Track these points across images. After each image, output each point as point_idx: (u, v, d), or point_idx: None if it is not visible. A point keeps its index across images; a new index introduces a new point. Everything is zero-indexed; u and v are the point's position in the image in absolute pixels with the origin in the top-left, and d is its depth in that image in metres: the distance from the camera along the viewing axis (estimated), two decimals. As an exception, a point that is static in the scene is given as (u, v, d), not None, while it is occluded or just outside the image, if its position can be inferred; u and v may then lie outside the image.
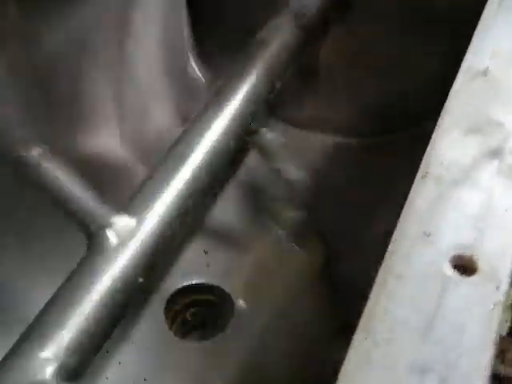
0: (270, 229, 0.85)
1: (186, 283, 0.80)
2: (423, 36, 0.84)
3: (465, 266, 0.41)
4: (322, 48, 0.85)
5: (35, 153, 0.72)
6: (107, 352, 0.71)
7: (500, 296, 0.40)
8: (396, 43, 0.85)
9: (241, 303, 0.78)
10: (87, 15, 0.82)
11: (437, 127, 0.47)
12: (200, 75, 0.94)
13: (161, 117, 0.91)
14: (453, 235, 0.43)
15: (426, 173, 0.45)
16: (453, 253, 0.42)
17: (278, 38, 0.78)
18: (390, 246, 0.43)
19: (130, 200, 0.68)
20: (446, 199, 0.44)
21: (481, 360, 0.38)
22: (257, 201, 0.88)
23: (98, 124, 0.86)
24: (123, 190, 0.77)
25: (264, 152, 0.86)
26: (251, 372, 0.73)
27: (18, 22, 0.75)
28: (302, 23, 0.80)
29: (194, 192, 0.70)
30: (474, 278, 0.41)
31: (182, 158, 0.70)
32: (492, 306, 0.39)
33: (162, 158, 0.71)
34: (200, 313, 0.80)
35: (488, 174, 0.45)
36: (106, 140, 0.86)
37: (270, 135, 0.85)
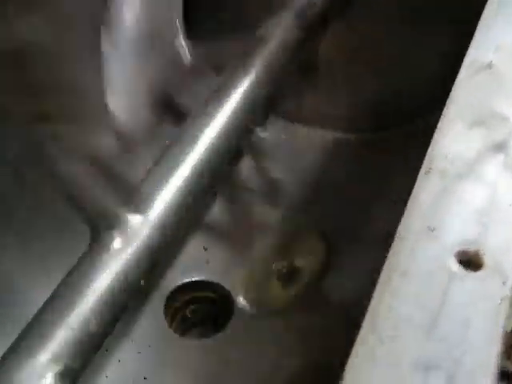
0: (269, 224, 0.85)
1: (185, 280, 0.80)
2: (423, 33, 0.83)
3: (470, 262, 0.41)
4: (321, 43, 0.85)
5: None
6: (106, 350, 0.70)
7: (507, 291, 0.39)
8: (395, 40, 0.85)
9: (241, 300, 0.78)
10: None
11: (441, 118, 0.47)
12: (188, 56, 0.94)
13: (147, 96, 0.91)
14: (457, 230, 0.42)
15: (430, 167, 0.45)
16: (458, 248, 0.41)
17: (277, 35, 0.78)
18: (394, 242, 0.42)
19: (130, 198, 0.67)
20: (451, 193, 0.44)
21: (487, 356, 0.37)
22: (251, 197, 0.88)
23: (85, 113, 0.86)
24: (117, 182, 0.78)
25: (254, 151, 0.86)
26: (251, 370, 0.72)
27: None
28: (302, 19, 0.79)
29: (194, 189, 0.69)
30: (479, 274, 0.41)
31: (182, 155, 0.70)
32: (499, 301, 0.39)
33: (160, 155, 0.71)
34: (200, 310, 0.80)
35: (493, 167, 0.45)
36: (94, 129, 0.86)
37: (264, 134, 0.86)
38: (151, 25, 0.90)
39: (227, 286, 0.79)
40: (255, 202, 0.88)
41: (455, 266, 0.41)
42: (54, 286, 0.61)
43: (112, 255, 0.62)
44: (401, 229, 0.43)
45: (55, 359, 0.56)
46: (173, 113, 0.88)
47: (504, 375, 0.65)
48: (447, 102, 0.48)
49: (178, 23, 0.92)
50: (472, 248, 0.41)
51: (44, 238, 0.77)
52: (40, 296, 0.60)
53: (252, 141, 0.88)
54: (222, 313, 0.78)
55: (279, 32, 0.78)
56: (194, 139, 0.71)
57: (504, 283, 0.40)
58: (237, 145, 0.76)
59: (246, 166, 0.89)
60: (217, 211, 0.85)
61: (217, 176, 0.74)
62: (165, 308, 0.78)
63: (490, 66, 0.50)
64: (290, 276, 0.80)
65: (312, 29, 0.80)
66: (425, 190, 0.44)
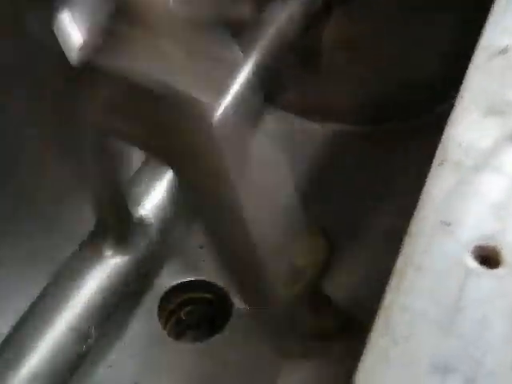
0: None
1: (180, 280, 0.78)
2: (427, 25, 0.82)
3: (488, 258, 0.40)
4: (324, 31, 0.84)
5: None
6: (97, 354, 0.69)
7: (526, 289, 0.38)
8: (398, 32, 0.83)
9: (239, 302, 0.76)
10: None
11: (455, 107, 0.45)
12: None
13: None
14: (474, 225, 0.41)
15: (444, 158, 0.44)
16: (475, 243, 0.40)
17: (281, 20, 0.77)
18: (406, 238, 0.41)
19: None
20: (466, 186, 0.42)
21: (506, 356, 0.36)
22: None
23: None
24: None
25: None
26: (250, 373, 0.71)
27: None
28: (306, 6, 0.78)
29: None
30: (497, 271, 0.39)
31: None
32: (519, 299, 0.37)
33: None
34: (196, 311, 0.78)
35: (511, 158, 0.43)
36: None
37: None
38: None
39: (225, 286, 0.77)
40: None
41: (472, 263, 0.39)
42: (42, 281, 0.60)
43: (104, 256, 0.62)
44: (414, 224, 0.41)
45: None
46: None
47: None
48: (460, 89, 0.47)
49: None
50: (490, 244, 0.40)
51: (33, 238, 0.76)
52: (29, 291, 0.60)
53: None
54: (220, 314, 0.76)
55: (283, 17, 0.77)
56: None
57: (524, 281, 0.38)
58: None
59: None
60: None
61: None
62: (158, 309, 0.76)
63: (505, 50, 0.48)
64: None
65: (316, 15, 0.79)
66: (438, 182, 0.43)
